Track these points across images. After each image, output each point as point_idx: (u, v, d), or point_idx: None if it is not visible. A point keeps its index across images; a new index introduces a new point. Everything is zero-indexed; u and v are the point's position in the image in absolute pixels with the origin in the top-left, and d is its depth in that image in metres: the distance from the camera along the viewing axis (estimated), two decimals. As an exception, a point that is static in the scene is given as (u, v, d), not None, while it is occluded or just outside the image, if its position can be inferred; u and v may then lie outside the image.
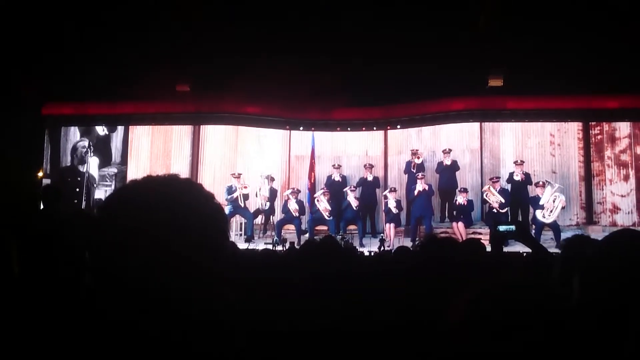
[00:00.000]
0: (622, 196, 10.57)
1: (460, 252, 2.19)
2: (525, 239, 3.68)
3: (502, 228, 4.17)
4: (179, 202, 0.92)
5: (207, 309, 0.93)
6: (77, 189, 11.34)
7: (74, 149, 11.99)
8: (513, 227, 4.12)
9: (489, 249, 3.87)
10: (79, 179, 11.57)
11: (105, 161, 12.02)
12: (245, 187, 10.49)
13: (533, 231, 9.78)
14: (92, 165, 11.87)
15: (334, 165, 11.06)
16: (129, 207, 0.91)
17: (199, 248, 0.90)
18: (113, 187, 12.03)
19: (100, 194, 11.87)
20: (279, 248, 9.12)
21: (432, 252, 2.07)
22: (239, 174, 10.67)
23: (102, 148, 12.00)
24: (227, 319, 1.01)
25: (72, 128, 12.03)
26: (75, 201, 11.11)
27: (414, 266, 2.14)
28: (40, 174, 11.51)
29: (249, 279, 2.16)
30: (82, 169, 11.68)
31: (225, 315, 1.01)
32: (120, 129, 11.98)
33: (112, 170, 12.23)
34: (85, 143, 11.89)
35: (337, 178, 10.86)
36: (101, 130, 12.06)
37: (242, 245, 9.72)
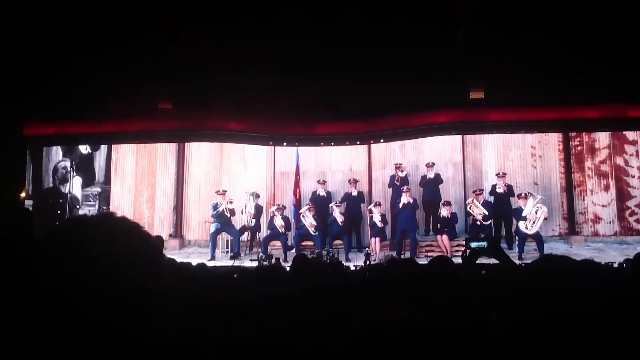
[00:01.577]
0: (603, 206, 10.72)
1: (420, 269, 2.25)
2: (497, 255, 3.74)
3: (474, 245, 4.20)
4: (111, 242, 0.93)
5: (149, 331, 0.94)
6: (59, 211, 11.21)
7: (55, 169, 11.90)
8: (485, 244, 4.15)
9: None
10: (60, 200, 11.44)
11: (88, 181, 11.94)
12: (231, 202, 10.49)
13: (516, 242, 9.89)
14: (75, 185, 11.76)
15: (318, 181, 11.08)
16: (68, 247, 0.92)
17: (133, 283, 0.91)
18: (97, 206, 11.95)
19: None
20: (265, 264, 9.09)
21: (391, 270, 2.13)
22: (224, 191, 10.67)
23: (85, 167, 11.92)
24: (176, 339, 1.02)
25: (55, 147, 11.95)
26: (57, 223, 10.98)
27: (373, 280, 2.20)
28: (23, 194, 11.38)
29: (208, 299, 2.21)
30: (64, 189, 11.57)
31: (174, 336, 1.02)
32: (104, 148, 11.93)
33: (96, 189, 12.15)
34: (67, 163, 11.78)
35: (322, 193, 10.89)
36: (84, 149, 11.99)
37: (227, 262, 9.70)
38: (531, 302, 1.47)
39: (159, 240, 6.72)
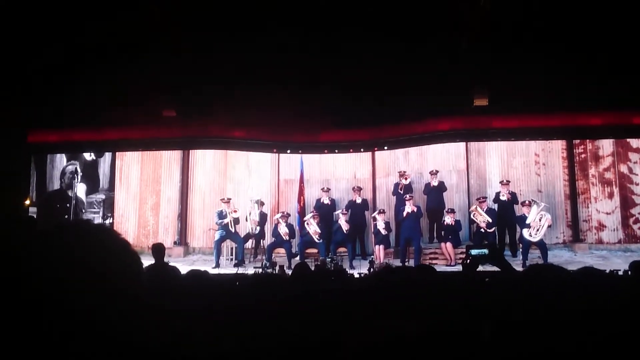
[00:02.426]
0: (607, 213, 10.71)
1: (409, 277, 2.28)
2: (498, 262, 3.76)
3: (474, 252, 4.22)
4: (88, 249, 0.94)
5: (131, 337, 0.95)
6: (66, 215, 11.25)
7: (63, 173, 11.93)
8: (486, 251, 4.17)
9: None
10: (67, 205, 11.49)
11: (92, 187, 11.96)
12: (235, 212, 10.54)
13: (520, 250, 9.89)
14: (80, 191, 11.80)
15: (322, 189, 11.10)
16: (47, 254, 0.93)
17: (110, 286, 0.92)
18: (101, 213, 11.97)
19: (89, 221, 11.79)
20: (269, 271, 9.12)
21: (382, 277, 2.15)
22: (229, 199, 10.70)
23: (89, 174, 11.95)
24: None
25: (58, 154, 11.99)
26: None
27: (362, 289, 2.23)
28: (27, 202, 11.40)
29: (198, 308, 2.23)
30: (70, 193, 11.61)
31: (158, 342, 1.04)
32: (108, 154, 11.97)
33: (100, 196, 12.17)
34: (73, 167, 11.83)
35: (326, 201, 10.91)
36: (88, 155, 12.02)
37: (231, 269, 9.73)
38: (520, 311, 1.49)
39: (161, 247, 6.72)
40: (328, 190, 11.11)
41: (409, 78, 9.55)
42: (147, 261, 6.42)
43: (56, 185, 11.90)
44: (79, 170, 11.76)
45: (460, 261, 9.81)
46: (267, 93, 9.78)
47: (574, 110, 10.24)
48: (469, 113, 10.40)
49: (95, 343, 0.89)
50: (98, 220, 11.95)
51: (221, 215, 10.50)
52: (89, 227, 1.01)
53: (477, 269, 4.11)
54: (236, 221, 10.51)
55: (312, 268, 9.24)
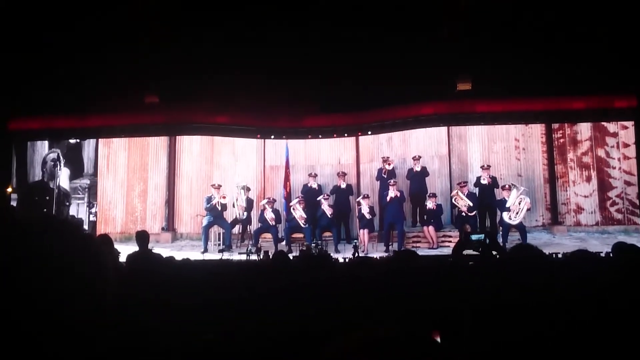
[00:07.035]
0: (585, 197, 10.97)
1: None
2: (494, 246, 3.98)
3: (474, 237, 4.45)
4: (48, 244, 0.95)
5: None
6: (45, 209, 10.93)
7: (44, 162, 11.76)
8: (482, 236, 4.40)
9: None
10: (47, 197, 11.15)
11: (77, 172, 11.88)
12: (224, 197, 10.63)
13: (500, 232, 10.12)
14: (63, 177, 11.62)
15: (310, 174, 11.21)
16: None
17: (70, 284, 0.93)
18: (86, 200, 11.93)
19: (73, 209, 11.69)
20: (254, 257, 9.24)
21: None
22: (219, 185, 10.77)
23: (73, 158, 11.84)
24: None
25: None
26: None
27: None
28: (9, 189, 11.30)
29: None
30: (53, 184, 11.44)
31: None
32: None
33: (85, 182, 12.13)
34: (55, 155, 11.66)
35: (314, 186, 11.03)
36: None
37: (216, 255, 9.84)
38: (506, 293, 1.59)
39: (144, 235, 6.75)
40: (315, 175, 11.21)
41: (392, 63, 9.58)
42: (135, 248, 6.50)
43: (37, 170, 11.71)
44: (61, 157, 11.60)
45: (443, 244, 10.08)
46: (251, 78, 9.77)
47: (555, 94, 10.32)
48: (452, 97, 10.45)
49: (56, 337, 0.89)
50: (83, 207, 11.92)
51: (209, 200, 10.61)
52: (52, 221, 1.01)
53: (463, 252, 4.36)
54: (223, 206, 10.60)
55: (298, 253, 9.40)
